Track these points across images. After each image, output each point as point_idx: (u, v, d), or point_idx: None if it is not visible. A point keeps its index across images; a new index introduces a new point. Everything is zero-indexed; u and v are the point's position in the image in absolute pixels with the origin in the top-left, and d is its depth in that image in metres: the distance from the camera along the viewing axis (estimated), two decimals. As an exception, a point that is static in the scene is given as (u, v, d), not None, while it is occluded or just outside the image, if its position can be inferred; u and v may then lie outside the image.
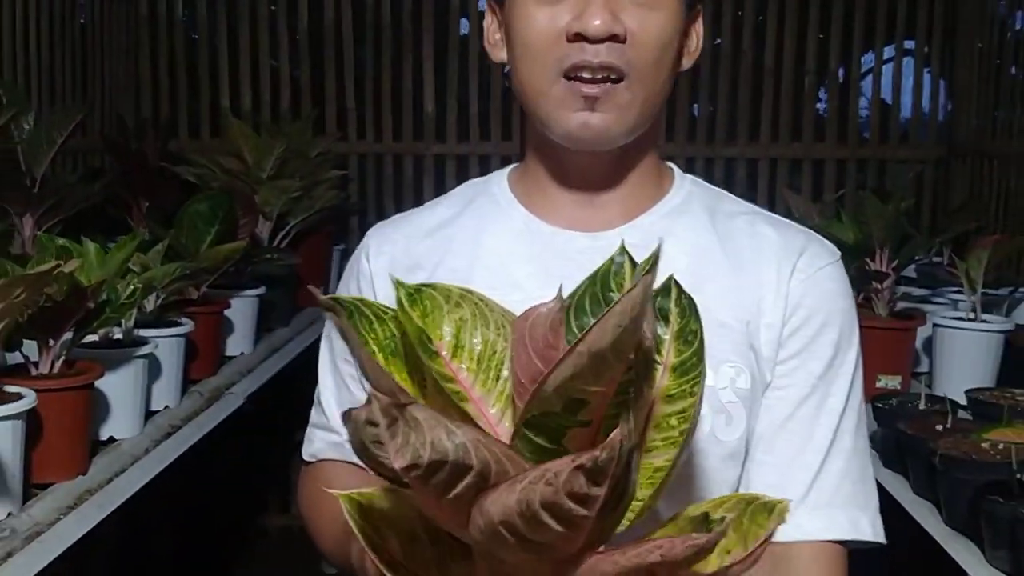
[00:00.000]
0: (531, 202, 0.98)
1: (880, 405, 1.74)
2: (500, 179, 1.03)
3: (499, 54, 0.96)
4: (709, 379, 0.87)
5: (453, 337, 0.64)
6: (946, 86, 3.66)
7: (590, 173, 0.95)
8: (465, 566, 0.62)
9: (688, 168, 3.84)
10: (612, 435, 0.49)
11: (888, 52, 3.72)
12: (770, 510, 0.61)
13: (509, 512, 0.50)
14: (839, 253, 0.97)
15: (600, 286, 0.66)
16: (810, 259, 0.94)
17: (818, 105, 3.80)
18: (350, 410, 0.50)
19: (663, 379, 0.63)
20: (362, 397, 0.97)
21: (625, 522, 0.59)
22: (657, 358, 0.63)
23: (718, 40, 3.66)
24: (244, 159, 2.71)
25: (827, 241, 0.98)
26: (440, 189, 3.74)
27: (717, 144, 3.66)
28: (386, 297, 0.95)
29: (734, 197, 1.02)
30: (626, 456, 0.50)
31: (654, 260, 0.56)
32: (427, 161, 3.68)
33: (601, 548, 0.56)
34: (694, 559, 0.52)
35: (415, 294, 0.65)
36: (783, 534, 0.87)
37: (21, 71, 2.66)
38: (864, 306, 2.09)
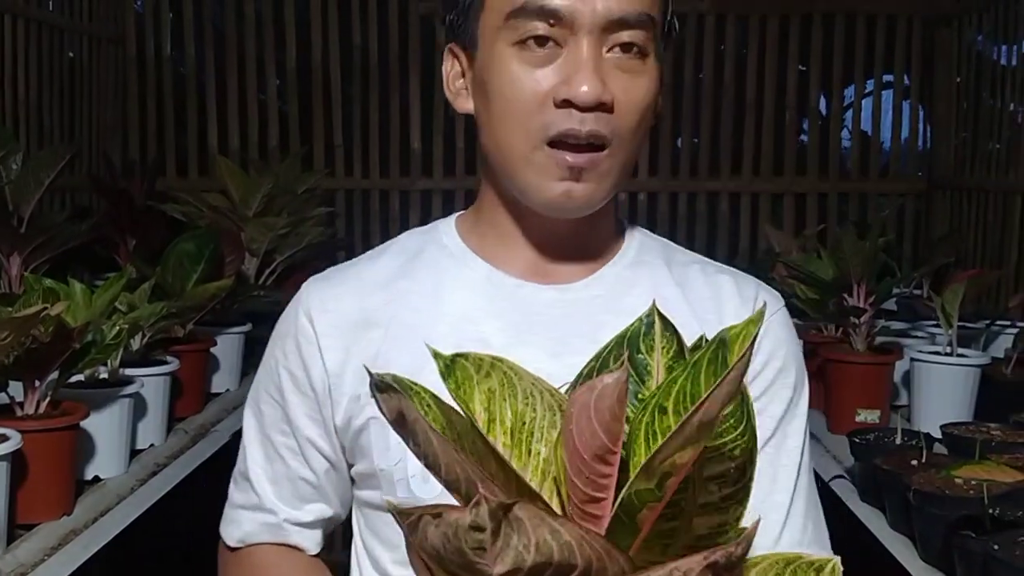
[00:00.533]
0: (490, 254, 0.95)
1: (858, 440, 1.76)
2: (448, 229, 0.99)
3: (465, 104, 0.93)
4: None
5: (485, 410, 0.61)
6: (925, 117, 3.72)
7: (556, 232, 0.93)
8: None
9: (672, 201, 3.87)
10: (749, 528, 0.48)
11: (869, 85, 3.78)
12: (818, 569, 0.59)
13: None
14: (783, 300, 1.00)
15: (628, 349, 0.64)
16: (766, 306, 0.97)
17: (800, 138, 3.85)
18: (439, 512, 0.47)
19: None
20: (303, 472, 0.96)
21: None
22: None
23: (701, 74, 3.71)
24: (231, 197, 2.73)
25: (772, 289, 1.01)
26: (427, 223, 3.77)
27: (700, 178, 3.71)
28: (334, 360, 0.92)
29: (679, 247, 1.03)
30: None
31: (760, 323, 0.54)
32: (413, 196, 3.71)
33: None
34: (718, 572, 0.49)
35: (451, 365, 0.62)
36: None
37: (9, 110, 2.69)
38: (843, 341, 2.12)
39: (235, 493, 1.01)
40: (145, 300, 1.83)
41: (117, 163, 3.08)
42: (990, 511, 1.27)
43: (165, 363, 1.90)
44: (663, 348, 0.65)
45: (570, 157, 0.84)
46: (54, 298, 1.48)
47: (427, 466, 0.57)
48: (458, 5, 0.91)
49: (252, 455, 0.99)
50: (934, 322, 2.30)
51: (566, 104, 0.83)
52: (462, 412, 0.58)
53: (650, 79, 0.87)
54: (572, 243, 0.94)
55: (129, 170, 2.93)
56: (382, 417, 0.85)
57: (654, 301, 0.67)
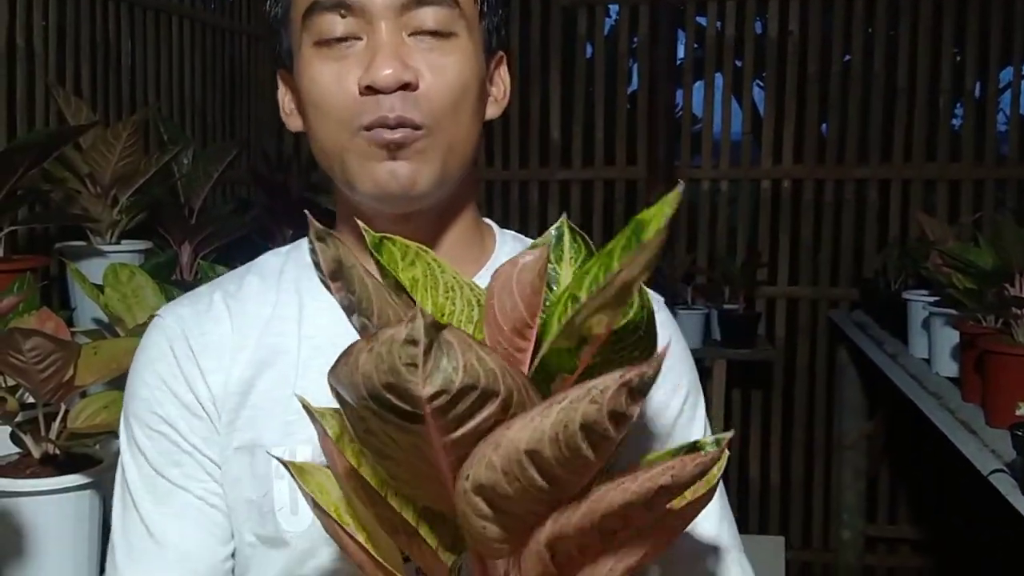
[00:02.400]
0: None
1: (1020, 433, 1.70)
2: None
3: (295, 123, 0.91)
4: None
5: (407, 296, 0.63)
6: (1091, 101, 3.52)
7: (411, 240, 0.87)
8: (388, 544, 0.62)
9: (818, 190, 3.79)
10: (658, 351, 0.49)
11: (1028, 67, 3.61)
12: (718, 443, 0.62)
13: (540, 437, 0.48)
14: (662, 299, 0.96)
15: None
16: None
17: (953, 122, 3.71)
18: (372, 334, 0.47)
19: None
20: (212, 498, 0.85)
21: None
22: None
23: (847, 57, 3.62)
24: (381, 188, 2.82)
25: (652, 290, 0.98)
26: (569, 215, 3.82)
27: (848, 165, 3.61)
28: (216, 382, 0.87)
29: None
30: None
31: (675, 203, 0.54)
32: (552, 187, 3.75)
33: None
34: (695, 481, 0.52)
35: (379, 244, 0.64)
36: None
37: (177, 108, 2.85)
38: (1003, 332, 2.04)
39: (120, 559, 0.88)
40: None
41: (273, 157, 3.22)
42: None
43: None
44: (571, 258, 0.68)
45: (386, 134, 0.81)
46: (227, 284, 1.58)
47: (360, 313, 0.57)
48: (273, 25, 0.90)
49: (142, 505, 0.87)
50: (1102, 313, 2.19)
51: (370, 91, 0.80)
52: (398, 284, 0.60)
53: (462, 56, 0.84)
54: (430, 247, 0.87)
55: (285, 164, 3.06)
56: (247, 446, 0.86)
57: (564, 214, 0.68)
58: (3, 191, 1.63)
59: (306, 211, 0.61)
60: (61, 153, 1.80)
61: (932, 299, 2.51)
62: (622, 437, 0.50)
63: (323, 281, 0.59)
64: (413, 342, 0.46)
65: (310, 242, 0.57)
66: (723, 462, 0.62)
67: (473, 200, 0.93)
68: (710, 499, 0.59)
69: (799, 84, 3.60)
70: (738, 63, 3.73)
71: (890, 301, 2.94)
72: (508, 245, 0.96)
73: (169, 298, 1.53)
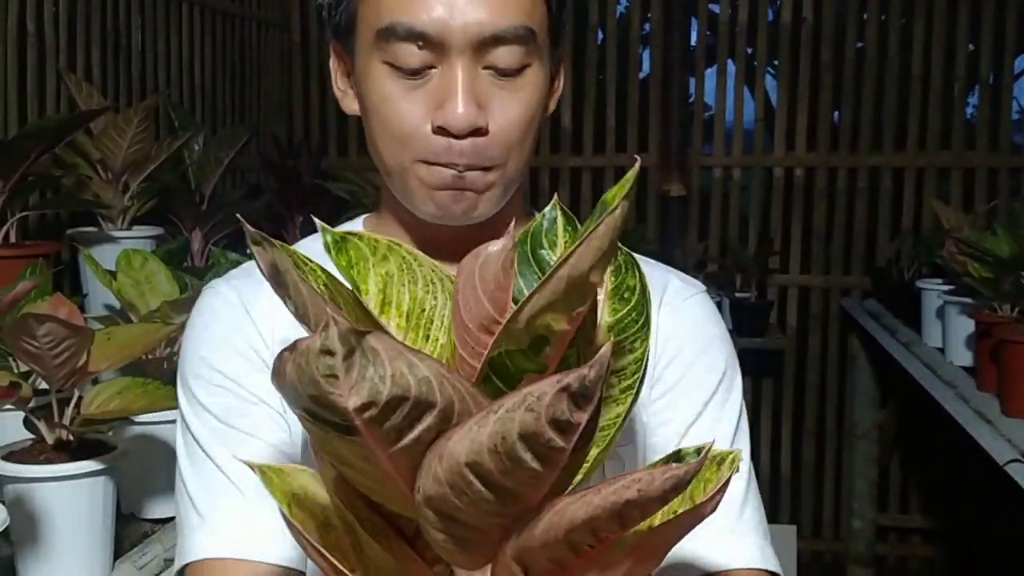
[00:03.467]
0: None
1: (1037, 422, 1.69)
2: (355, 228, 0.91)
3: (351, 105, 0.89)
4: None
5: (380, 292, 0.59)
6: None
7: (455, 239, 0.85)
8: (381, 552, 0.57)
9: (831, 177, 3.77)
10: (601, 352, 0.44)
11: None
12: (719, 463, 0.57)
13: (479, 449, 0.45)
14: (703, 287, 0.97)
15: (531, 244, 0.62)
16: (675, 292, 0.94)
17: (968, 110, 3.68)
18: (296, 342, 0.43)
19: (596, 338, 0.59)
20: (285, 447, 0.85)
21: (575, 479, 0.54)
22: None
23: (861, 44, 3.59)
24: (392, 175, 2.81)
25: (687, 276, 0.97)
26: (576, 201, 3.78)
27: (861, 153, 3.59)
28: (274, 343, 0.86)
29: (642, 257, 0.98)
30: (604, 380, 0.45)
31: (632, 182, 0.52)
32: (563, 174, 3.73)
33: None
34: (670, 495, 0.47)
35: (340, 242, 0.60)
36: (684, 564, 0.86)
37: (187, 94, 2.85)
38: (1019, 321, 2.02)
39: (193, 512, 0.87)
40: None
41: (284, 143, 3.21)
42: None
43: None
44: (566, 243, 0.64)
45: (451, 174, 0.81)
46: (239, 270, 1.57)
47: (301, 321, 0.54)
48: (336, 8, 0.87)
49: (217, 456, 0.87)
50: (1120, 302, 2.17)
51: (441, 131, 0.80)
52: (348, 288, 0.56)
53: (533, 89, 0.83)
54: (476, 244, 0.85)
55: (296, 150, 3.05)
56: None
57: (555, 195, 0.66)
58: (14, 177, 1.63)
59: (238, 216, 0.59)
60: (72, 139, 1.80)
61: (946, 288, 2.49)
62: (580, 443, 0.46)
63: (271, 285, 0.55)
64: (328, 352, 0.42)
65: (247, 247, 0.54)
66: (733, 468, 0.56)
67: (521, 191, 0.92)
68: (714, 507, 0.54)
69: (812, 71, 3.57)
70: (750, 50, 3.70)
71: (903, 290, 2.93)
72: None
73: (182, 285, 1.52)
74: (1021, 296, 1.99)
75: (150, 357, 1.39)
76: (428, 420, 0.46)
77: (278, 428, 0.87)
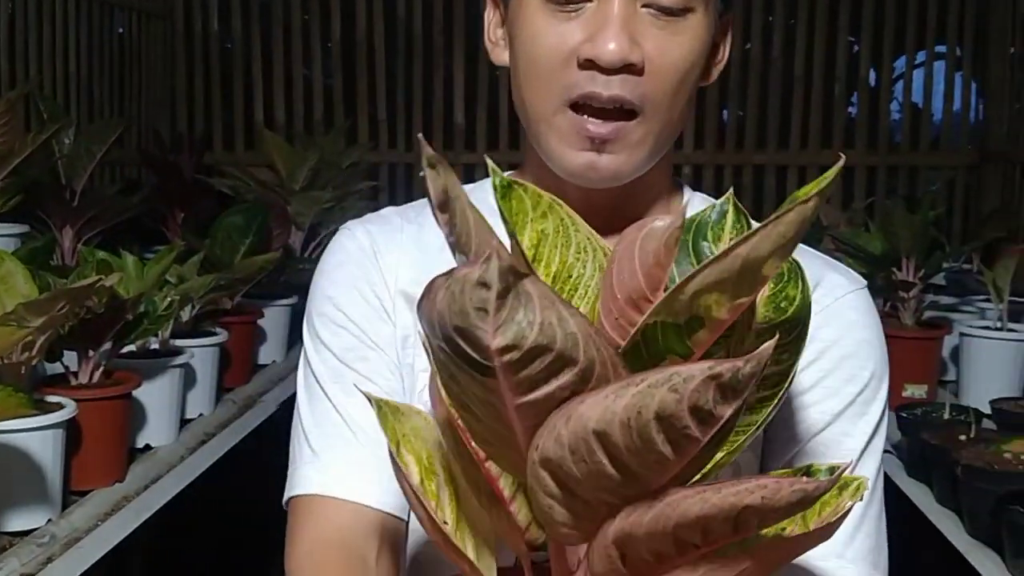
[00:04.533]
0: None
1: (905, 415, 1.74)
2: (486, 195, 0.89)
3: (501, 55, 0.85)
4: None
5: (532, 248, 0.57)
6: (977, 89, 3.64)
7: (596, 205, 0.81)
8: (478, 510, 0.56)
9: (717, 175, 3.83)
10: (762, 347, 0.42)
11: (920, 56, 3.71)
12: (843, 487, 0.53)
13: (611, 419, 0.43)
14: (863, 282, 0.87)
15: (694, 234, 0.60)
16: (827, 290, 0.84)
17: (849, 110, 3.79)
18: (453, 269, 0.42)
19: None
20: (400, 395, 0.85)
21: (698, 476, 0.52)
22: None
23: (748, 45, 3.67)
24: (277, 171, 2.75)
25: (850, 270, 0.88)
26: (470, 198, 3.79)
27: (746, 151, 3.67)
28: (399, 294, 0.86)
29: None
30: (758, 377, 0.43)
31: (832, 179, 0.49)
32: (457, 170, 3.71)
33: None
34: (795, 508, 0.44)
35: (508, 188, 0.58)
36: None
37: (60, 85, 2.73)
38: (891, 315, 2.09)
39: (306, 447, 0.86)
40: (195, 272, 1.86)
41: (165, 137, 3.12)
42: (1040, 487, 1.26)
43: (214, 334, 1.93)
44: (731, 239, 0.60)
45: (592, 126, 0.75)
46: (107, 270, 1.51)
47: (460, 250, 0.52)
48: None
49: (333, 395, 0.86)
50: (984, 297, 2.26)
51: (589, 64, 0.74)
52: (508, 237, 0.53)
53: (693, 37, 0.77)
54: (615, 212, 0.83)
55: (177, 144, 2.96)
56: (412, 364, 0.85)
57: (731, 189, 0.62)
58: None
59: (419, 136, 0.55)
60: (-73, 131, 1.70)
61: (825, 283, 2.55)
62: (718, 436, 0.43)
63: (433, 212, 0.53)
64: (485, 285, 0.41)
65: (422, 169, 0.52)
66: (856, 496, 0.52)
67: (667, 166, 0.87)
68: (828, 535, 0.49)
69: (700, 70, 3.62)
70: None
71: (786, 285, 2.99)
72: (695, 207, 0.90)
73: (44, 285, 1.45)
74: (893, 291, 2.06)
75: (4, 361, 1.32)
76: (566, 377, 0.44)
77: (393, 378, 0.87)
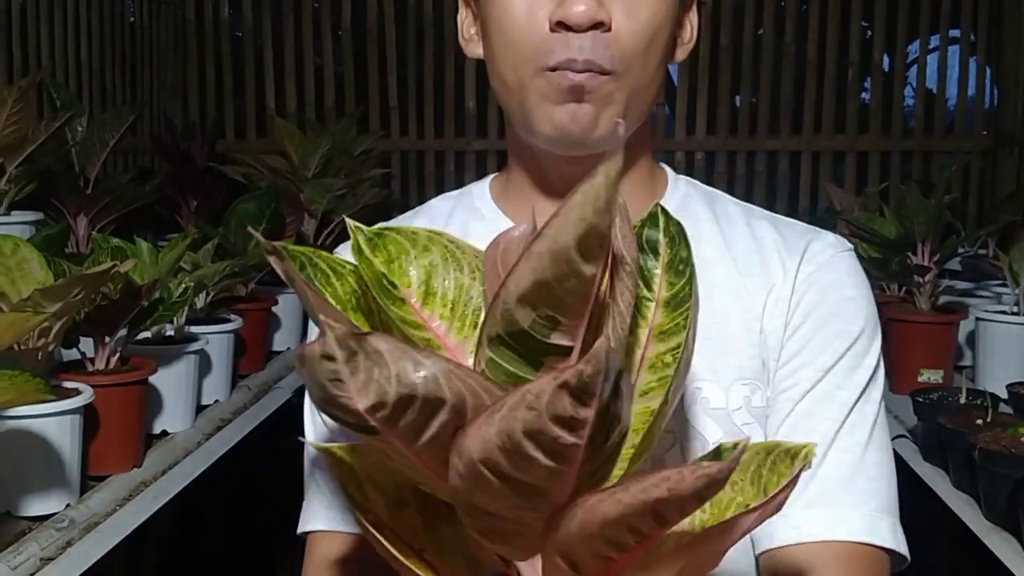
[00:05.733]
0: (520, 214, 0.88)
1: (921, 399, 1.74)
2: (482, 191, 0.95)
3: (475, 50, 0.89)
4: (720, 401, 0.81)
5: (423, 283, 0.58)
6: (992, 74, 3.62)
7: (576, 180, 0.83)
8: (454, 531, 0.56)
9: (730, 161, 3.83)
10: (596, 345, 0.42)
11: (934, 41, 3.69)
12: (793, 456, 0.54)
13: (489, 447, 0.44)
14: (849, 245, 0.89)
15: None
16: (812, 254, 0.86)
17: (862, 95, 3.77)
18: (303, 346, 0.44)
19: (656, 316, 0.57)
20: None
21: (618, 471, 0.53)
22: (648, 294, 0.58)
23: (761, 31, 3.65)
24: (290, 158, 2.76)
25: (835, 235, 0.90)
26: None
27: (759, 137, 3.65)
28: None
29: (730, 197, 0.94)
30: (614, 372, 0.44)
31: (618, 152, 0.49)
32: (469, 157, 3.71)
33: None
34: (705, 493, 0.45)
35: (376, 239, 0.59)
36: (780, 536, 0.78)
37: (72, 73, 2.73)
38: (906, 300, 2.08)
39: (314, 486, 0.89)
40: (209, 259, 1.86)
41: (178, 125, 3.12)
42: (1058, 471, 1.25)
43: (229, 321, 1.94)
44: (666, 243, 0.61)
45: (571, 75, 0.78)
46: (122, 257, 1.52)
47: (313, 321, 0.53)
48: None
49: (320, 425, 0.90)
50: (1000, 281, 2.25)
51: (561, 27, 0.77)
52: (368, 279, 0.55)
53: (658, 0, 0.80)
54: None
55: (189, 132, 2.97)
56: None
57: (658, 204, 0.63)
58: None
59: (250, 229, 0.57)
60: (-58, 119, 1.70)
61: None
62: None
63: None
64: (329, 357, 0.42)
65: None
66: (805, 462, 0.52)
67: (648, 143, 0.90)
68: (767, 514, 0.49)
69: (712, 56, 3.61)
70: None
71: (799, 271, 2.98)
72: (680, 190, 0.92)
73: (59, 272, 1.46)
74: (907, 276, 2.05)
75: (22, 347, 1.33)
76: (441, 417, 0.45)
77: None
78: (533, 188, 0.89)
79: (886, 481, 0.82)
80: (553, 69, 0.78)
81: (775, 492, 0.50)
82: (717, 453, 0.55)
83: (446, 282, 0.58)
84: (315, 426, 0.90)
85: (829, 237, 0.89)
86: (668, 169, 0.95)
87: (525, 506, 0.48)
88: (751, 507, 0.49)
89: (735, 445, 0.53)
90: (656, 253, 0.60)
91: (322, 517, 0.87)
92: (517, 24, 0.80)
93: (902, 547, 0.80)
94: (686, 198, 0.91)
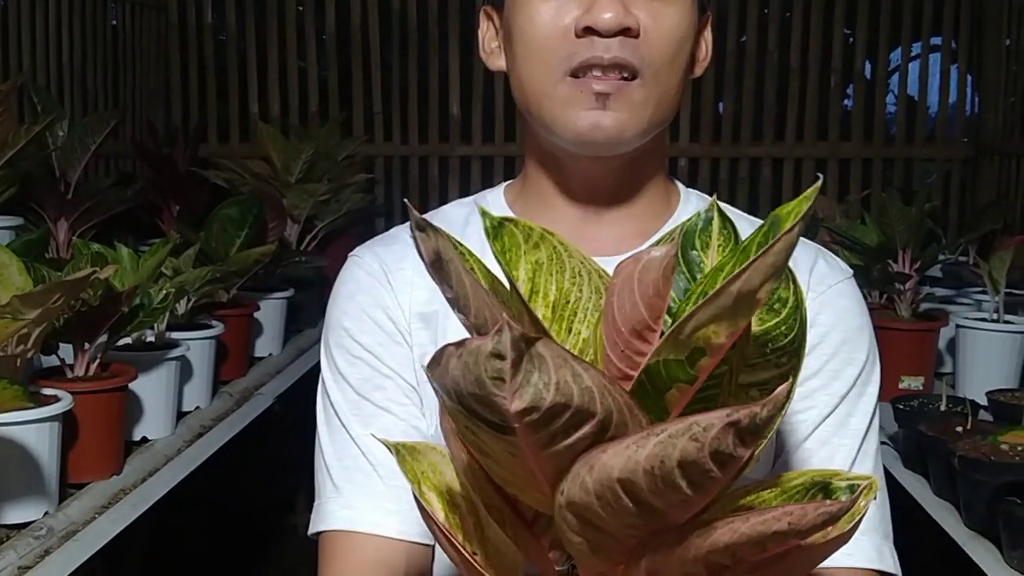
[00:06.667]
0: (536, 219, 0.87)
1: (901, 406, 1.74)
2: (496, 197, 0.96)
3: (497, 62, 0.90)
4: None
5: (529, 280, 0.59)
6: (973, 82, 3.64)
7: (597, 185, 0.88)
8: (501, 534, 0.58)
9: (713, 167, 3.84)
10: (778, 390, 0.44)
11: (915, 49, 3.71)
12: (852, 489, 0.56)
13: (634, 468, 0.45)
14: (851, 271, 0.93)
15: (682, 244, 0.61)
16: (821, 276, 0.89)
17: (845, 103, 3.79)
18: (465, 340, 0.44)
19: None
20: (417, 421, 0.86)
21: None
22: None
23: (743, 38, 3.66)
24: (273, 163, 2.75)
25: (838, 258, 0.94)
26: (465, 190, 3.77)
27: (743, 143, 3.67)
28: (413, 315, 0.88)
29: (740, 212, 0.95)
30: (776, 419, 0.45)
31: (813, 199, 0.51)
32: (453, 162, 3.71)
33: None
34: (819, 530, 0.47)
35: (498, 228, 0.60)
36: None
37: (54, 77, 2.72)
38: (887, 307, 2.09)
39: (327, 484, 0.89)
40: (190, 265, 1.85)
41: (160, 130, 3.11)
42: (1037, 478, 1.26)
43: (210, 327, 1.93)
44: (719, 246, 0.62)
45: (595, 83, 0.79)
46: (102, 262, 1.51)
47: (458, 310, 0.54)
48: None
49: (351, 427, 0.89)
50: (980, 289, 2.27)
51: (588, 32, 0.79)
52: (504, 276, 0.56)
53: (682, 10, 0.82)
54: (618, 207, 0.89)
55: (172, 137, 2.95)
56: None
57: (715, 195, 0.65)
58: None
59: (405, 200, 0.58)
60: (-80, 123, 1.69)
61: (821, 275, 2.55)
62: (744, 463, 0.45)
63: (428, 270, 0.55)
64: (499, 356, 0.43)
65: (411, 232, 0.54)
66: (870, 496, 0.54)
67: (663, 155, 0.92)
68: (845, 540, 0.51)
69: (696, 62, 3.62)
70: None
71: (782, 277, 2.99)
72: (692, 204, 0.94)
73: (38, 277, 1.45)
74: (888, 283, 2.06)
75: (1, 354, 1.32)
76: (585, 429, 0.46)
77: (410, 402, 0.89)
78: (553, 192, 0.90)
79: (887, 507, 0.87)
80: (578, 72, 0.80)
81: (852, 525, 0.50)
82: (826, 489, 0.56)
83: (548, 283, 0.59)
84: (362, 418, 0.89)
85: (833, 259, 0.93)
86: (679, 183, 0.97)
87: (639, 525, 0.49)
88: (830, 537, 0.49)
89: (850, 487, 0.54)
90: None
91: (362, 516, 0.87)
92: (543, 31, 0.81)
93: (898, 569, 0.85)
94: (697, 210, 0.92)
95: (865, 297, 2.28)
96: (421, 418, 0.89)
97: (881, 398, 2.02)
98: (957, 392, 1.95)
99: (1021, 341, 1.94)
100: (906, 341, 2.00)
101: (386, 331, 0.90)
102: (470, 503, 0.60)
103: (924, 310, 2.09)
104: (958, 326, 2.00)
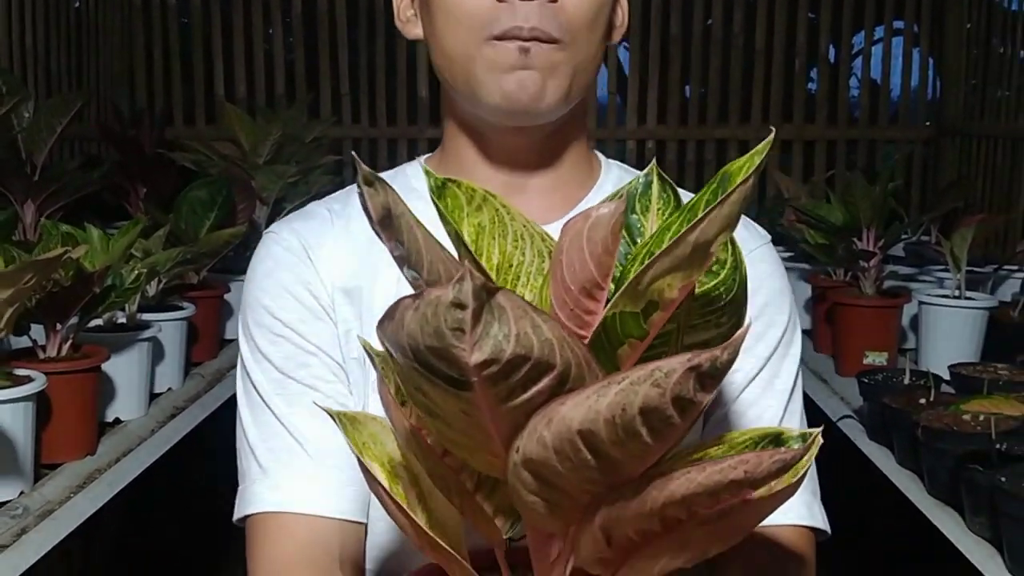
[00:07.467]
0: None
1: (866, 380, 1.78)
2: (416, 171, 0.94)
3: (413, 30, 0.89)
4: None
5: (472, 243, 0.58)
6: (934, 65, 3.70)
7: (519, 153, 0.87)
8: (444, 502, 0.58)
9: (680, 149, 3.86)
10: (736, 335, 0.45)
11: (878, 32, 3.76)
12: (805, 438, 0.56)
13: (595, 418, 0.44)
14: (769, 236, 0.94)
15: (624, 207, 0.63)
16: (741, 241, 0.85)
17: (809, 85, 3.83)
18: (423, 291, 0.43)
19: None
20: (344, 398, 0.84)
21: None
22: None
23: (710, 21, 3.69)
24: (240, 145, 2.73)
25: (755, 223, 0.95)
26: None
27: (709, 125, 3.70)
28: (336, 290, 0.86)
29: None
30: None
31: (765, 153, 0.52)
32: (422, 145, 3.70)
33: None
34: (773, 478, 0.47)
35: (442, 188, 0.59)
36: None
37: (16, 59, 2.68)
38: (851, 285, 2.13)
39: (254, 465, 0.86)
40: (160, 246, 1.85)
41: (125, 112, 3.08)
42: (997, 446, 1.29)
43: (181, 308, 1.92)
44: (659, 209, 0.63)
45: (519, 43, 0.79)
46: (72, 243, 1.50)
47: (409, 266, 0.53)
48: None
49: (276, 407, 0.86)
50: (942, 267, 2.31)
51: None
52: (450, 235, 0.55)
53: None
54: (541, 174, 0.89)
55: (137, 119, 2.93)
56: (359, 358, 0.85)
57: (654, 160, 0.65)
58: None
59: (353, 153, 0.57)
60: None
61: (787, 254, 2.59)
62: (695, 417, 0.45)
63: (373, 229, 0.54)
64: (460, 306, 0.42)
65: (358, 186, 0.53)
66: (812, 454, 0.54)
67: (585, 125, 0.92)
68: (791, 493, 0.51)
69: (662, 47, 3.65)
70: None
71: (748, 258, 3.03)
72: (613, 173, 0.94)
73: (8, 257, 1.44)
74: (853, 261, 2.09)
75: (-28, 335, 1.31)
76: (544, 382, 0.45)
77: (337, 379, 0.87)
78: (475, 161, 0.89)
79: (814, 466, 0.87)
80: (499, 38, 0.79)
81: (797, 478, 0.51)
82: (778, 439, 0.56)
83: (491, 246, 0.58)
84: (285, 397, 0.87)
85: (752, 224, 0.94)
86: (599, 153, 0.97)
87: (596, 479, 0.48)
88: (776, 490, 0.50)
89: (802, 435, 0.55)
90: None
91: (292, 496, 0.84)
92: None
93: (827, 525, 0.87)
94: (620, 181, 0.93)
95: (830, 274, 2.32)
96: (348, 395, 0.87)
97: (847, 373, 2.06)
98: (920, 366, 1.99)
99: (982, 317, 1.98)
100: (870, 317, 2.04)
101: (308, 308, 0.88)
102: (412, 474, 0.60)
103: (888, 287, 2.13)
104: (921, 303, 2.04)
